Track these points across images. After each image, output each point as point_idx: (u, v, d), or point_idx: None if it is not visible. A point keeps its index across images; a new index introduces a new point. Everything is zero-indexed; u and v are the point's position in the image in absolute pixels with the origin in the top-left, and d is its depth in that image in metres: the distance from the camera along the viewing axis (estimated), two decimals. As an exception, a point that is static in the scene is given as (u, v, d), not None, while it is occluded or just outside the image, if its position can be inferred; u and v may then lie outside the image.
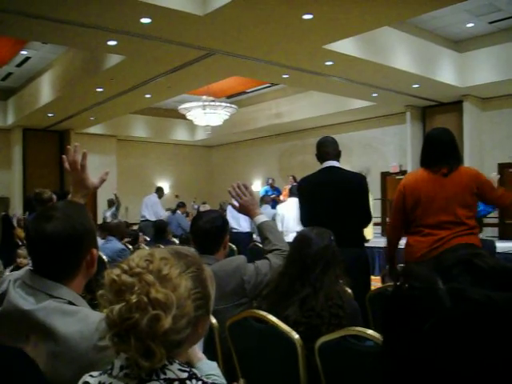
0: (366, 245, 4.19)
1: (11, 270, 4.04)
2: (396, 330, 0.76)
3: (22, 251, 4.79)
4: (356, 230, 3.86)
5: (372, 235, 10.37)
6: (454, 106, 11.57)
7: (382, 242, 9.78)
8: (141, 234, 7.77)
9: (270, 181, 13.00)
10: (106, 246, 5.43)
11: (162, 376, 1.05)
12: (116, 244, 5.62)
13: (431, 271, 0.75)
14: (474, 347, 0.68)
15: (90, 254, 1.56)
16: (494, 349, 0.68)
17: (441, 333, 0.70)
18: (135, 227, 10.81)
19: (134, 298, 1.01)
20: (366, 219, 3.94)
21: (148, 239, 7.73)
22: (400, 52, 9.58)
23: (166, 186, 17.77)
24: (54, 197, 5.92)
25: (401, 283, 0.78)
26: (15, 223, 8.91)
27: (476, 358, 0.68)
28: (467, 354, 0.68)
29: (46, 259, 1.51)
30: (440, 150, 3.33)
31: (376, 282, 5.42)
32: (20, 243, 6.56)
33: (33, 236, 1.54)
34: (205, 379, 1.10)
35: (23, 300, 1.46)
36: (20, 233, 7.74)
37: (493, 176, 3.98)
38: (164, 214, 11.03)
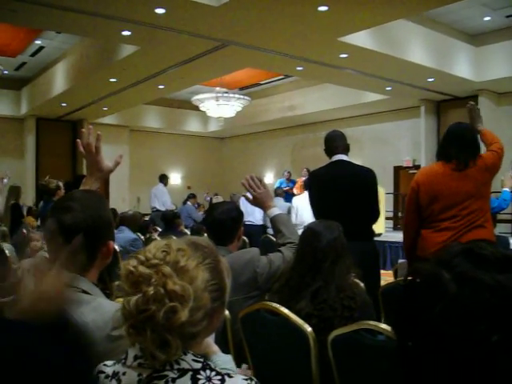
0: (378, 239, 4.16)
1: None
2: (407, 325, 0.76)
3: (35, 234, 4.81)
4: (364, 224, 3.82)
5: (384, 229, 10.34)
6: (470, 100, 11.40)
7: (393, 236, 9.76)
8: (155, 227, 7.82)
9: (286, 173, 12.97)
10: (118, 236, 5.45)
11: (176, 366, 1.05)
12: (128, 234, 5.64)
13: (433, 265, 0.76)
14: (483, 329, 0.67)
15: (107, 246, 1.56)
16: (504, 329, 0.67)
17: (450, 318, 0.69)
18: (147, 218, 10.84)
19: (150, 290, 1.01)
20: (374, 215, 3.89)
21: (159, 230, 7.74)
22: (415, 45, 9.48)
23: (177, 177, 17.83)
24: (61, 185, 5.97)
25: (406, 280, 0.80)
26: (25, 212, 8.95)
27: (487, 341, 0.67)
28: (478, 338, 0.67)
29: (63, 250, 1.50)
30: (459, 144, 3.30)
31: (388, 277, 5.41)
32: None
33: (51, 226, 1.53)
34: (218, 370, 1.09)
35: None
36: (32, 221, 7.76)
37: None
38: (171, 204, 11.03)
